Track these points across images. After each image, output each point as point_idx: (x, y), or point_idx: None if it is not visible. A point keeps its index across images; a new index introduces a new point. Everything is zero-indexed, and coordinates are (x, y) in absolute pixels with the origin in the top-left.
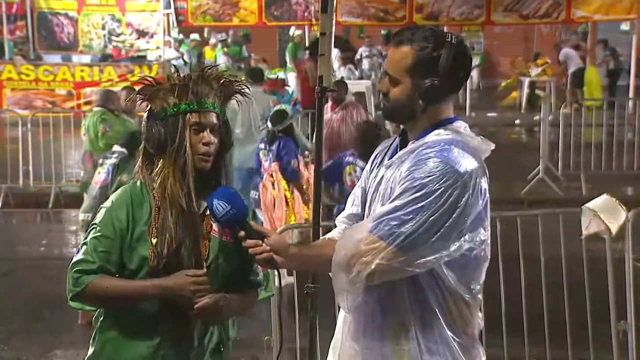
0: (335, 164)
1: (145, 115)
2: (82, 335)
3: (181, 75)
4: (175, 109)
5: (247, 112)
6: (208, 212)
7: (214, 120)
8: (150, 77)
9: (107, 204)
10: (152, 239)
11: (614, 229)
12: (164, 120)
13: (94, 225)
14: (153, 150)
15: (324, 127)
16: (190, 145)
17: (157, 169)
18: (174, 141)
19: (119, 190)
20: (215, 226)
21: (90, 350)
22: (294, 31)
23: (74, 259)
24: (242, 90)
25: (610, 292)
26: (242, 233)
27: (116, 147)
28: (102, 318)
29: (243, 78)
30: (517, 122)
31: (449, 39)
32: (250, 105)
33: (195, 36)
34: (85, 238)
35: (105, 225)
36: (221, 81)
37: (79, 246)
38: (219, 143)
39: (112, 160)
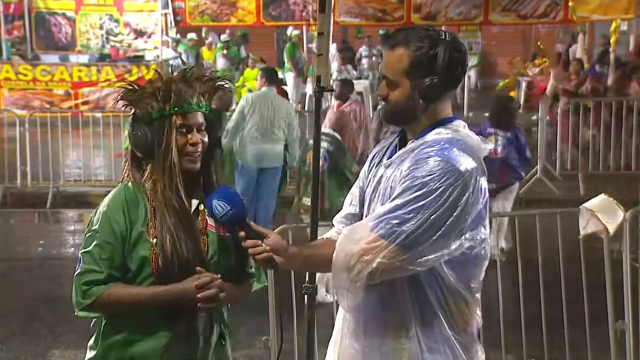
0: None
1: (130, 119)
2: (81, 335)
3: (163, 77)
4: (160, 113)
5: (264, 112)
6: (201, 207)
7: (200, 119)
8: (133, 82)
9: (103, 207)
10: (152, 239)
11: (611, 229)
12: (149, 124)
13: (92, 232)
14: (141, 154)
15: (342, 117)
16: (177, 147)
17: (147, 174)
18: (161, 145)
19: (113, 193)
20: (210, 221)
21: (91, 354)
22: (291, 31)
23: (79, 270)
24: (223, 85)
25: (607, 292)
26: (242, 233)
27: (327, 130)
28: (104, 322)
29: (242, 80)
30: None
31: (443, 37)
32: (269, 105)
33: (192, 35)
34: (87, 246)
35: (105, 230)
36: (203, 80)
37: (80, 254)
38: (207, 141)
39: (325, 144)
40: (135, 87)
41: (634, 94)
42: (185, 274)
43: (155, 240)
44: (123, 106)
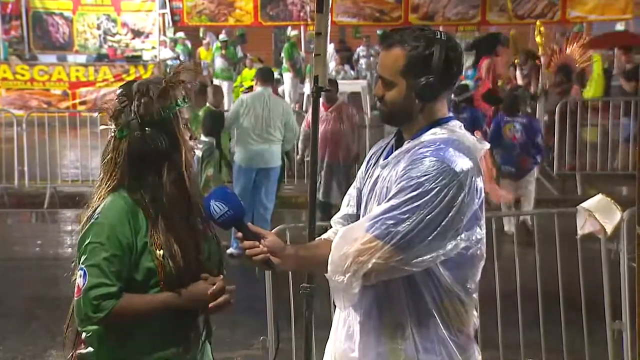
0: (495, 128)
1: (126, 125)
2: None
3: (166, 75)
4: (169, 110)
5: (259, 112)
6: None
7: None
8: (147, 90)
9: (103, 219)
10: (158, 251)
11: (609, 229)
12: (155, 126)
13: (97, 244)
14: (154, 158)
15: (322, 124)
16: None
17: (164, 177)
18: (176, 142)
19: (110, 203)
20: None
21: None
22: (290, 31)
23: (87, 284)
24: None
25: (605, 292)
26: (239, 234)
27: (202, 138)
28: (105, 338)
29: (240, 80)
30: None
31: (438, 36)
32: (263, 106)
33: (180, 34)
34: (92, 259)
35: (112, 243)
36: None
37: (86, 268)
38: None
39: (197, 151)
40: (148, 91)
41: (574, 94)
42: (190, 279)
43: (161, 251)
44: (138, 112)
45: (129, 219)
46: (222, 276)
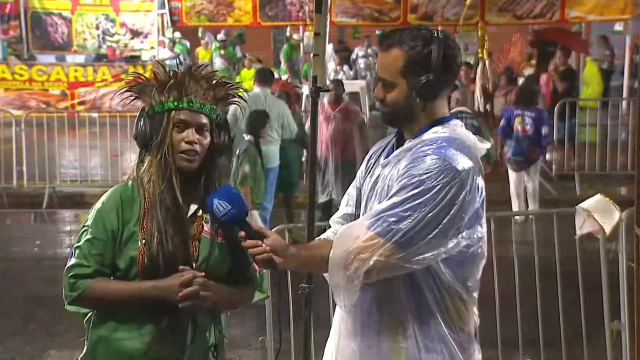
0: (506, 121)
1: (139, 112)
2: (77, 335)
3: (169, 72)
4: (161, 106)
5: None
6: (199, 213)
7: (202, 120)
8: (142, 74)
9: (98, 204)
10: (142, 240)
11: (607, 229)
12: (151, 117)
13: (85, 228)
14: (139, 146)
15: (330, 123)
16: (172, 142)
17: (145, 167)
18: (157, 138)
19: (110, 190)
20: (206, 227)
21: (84, 350)
22: (291, 33)
23: (69, 263)
24: (235, 93)
25: (604, 292)
26: (242, 233)
27: (462, 107)
28: (93, 317)
29: (239, 80)
30: None
31: (435, 34)
32: (260, 107)
33: (177, 34)
34: (78, 241)
35: (97, 227)
36: (211, 81)
37: (72, 249)
38: (211, 145)
39: (469, 121)
40: (142, 78)
41: None
42: (171, 274)
43: (144, 240)
44: (129, 96)
45: (119, 208)
46: (204, 273)
